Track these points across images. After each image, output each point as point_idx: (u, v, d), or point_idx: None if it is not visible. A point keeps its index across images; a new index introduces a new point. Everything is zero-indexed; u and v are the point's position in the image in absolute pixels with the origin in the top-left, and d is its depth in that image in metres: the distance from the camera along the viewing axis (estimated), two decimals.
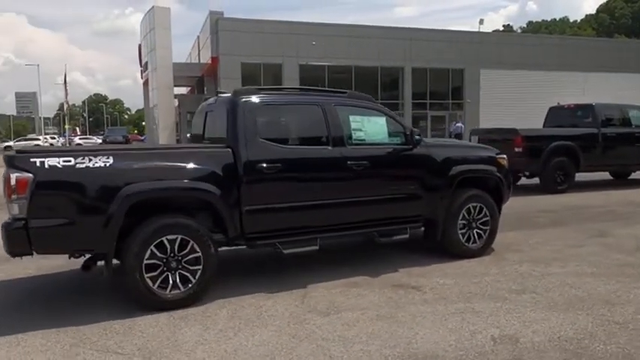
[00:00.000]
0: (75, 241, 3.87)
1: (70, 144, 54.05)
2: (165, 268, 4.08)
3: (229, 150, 4.40)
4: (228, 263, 5.39)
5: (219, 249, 4.62)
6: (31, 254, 3.83)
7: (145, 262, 3.99)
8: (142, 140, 42.64)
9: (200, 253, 4.19)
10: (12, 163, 3.71)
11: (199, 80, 37.36)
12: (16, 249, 3.76)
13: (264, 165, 4.46)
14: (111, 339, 3.58)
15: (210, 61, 30.77)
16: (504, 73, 33.90)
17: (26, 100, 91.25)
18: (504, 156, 5.96)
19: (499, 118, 27.59)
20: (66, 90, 61.95)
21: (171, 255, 4.10)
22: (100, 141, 53.91)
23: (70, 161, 3.80)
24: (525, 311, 3.96)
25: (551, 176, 10.85)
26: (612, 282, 4.65)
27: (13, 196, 3.66)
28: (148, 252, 4.00)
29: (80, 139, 60.09)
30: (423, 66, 32.90)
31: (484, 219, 5.62)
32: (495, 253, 5.74)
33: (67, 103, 64.21)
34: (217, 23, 29.35)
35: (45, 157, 3.76)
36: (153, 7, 34.81)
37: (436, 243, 5.51)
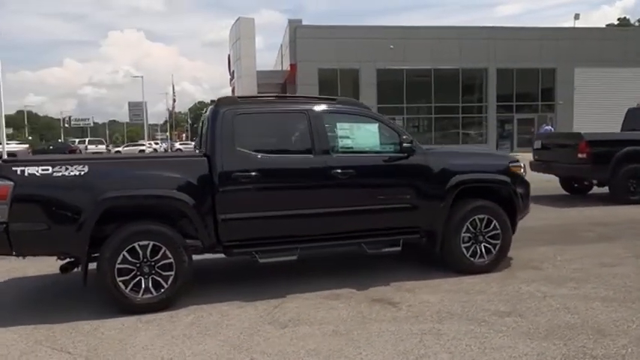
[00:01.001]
0: (52, 244, 4.14)
1: (171, 149, 57.99)
2: (138, 273, 4.23)
3: (205, 159, 4.47)
4: (219, 269, 5.48)
5: (203, 256, 4.74)
6: (12, 255, 4.16)
7: (118, 266, 4.16)
8: None
9: (172, 260, 4.29)
10: (2, 171, 4.05)
11: (283, 87, 38.38)
12: (5, 250, 4.09)
13: (240, 174, 4.47)
14: (72, 339, 3.77)
15: (289, 69, 31.49)
16: (602, 72, 31.14)
17: (137, 109, 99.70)
18: (520, 164, 5.46)
19: (595, 121, 25.46)
20: (173, 99, 66.39)
21: (144, 260, 4.24)
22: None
23: (47, 170, 4.08)
24: (495, 337, 3.59)
25: (622, 185, 9.76)
26: (622, 309, 4.08)
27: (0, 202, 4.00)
28: (120, 257, 4.16)
29: (181, 144, 64.28)
30: (509, 66, 31.16)
31: (493, 232, 5.19)
32: (509, 269, 5.28)
33: (173, 110, 69.06)
34: (295, 31, 30.01)
35: (25, 165, 4.07)
36: (239, 18, 36.43)
37: (437, 256, 5.19)
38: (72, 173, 4.11)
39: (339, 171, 4.71)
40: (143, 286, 4.24)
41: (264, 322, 3.99)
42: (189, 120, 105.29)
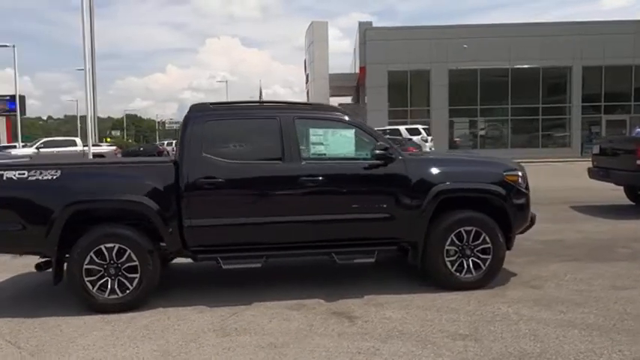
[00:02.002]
0: (26, 244, 4.42)
1: None
2: (104, 274, 4.40)
3: (172, 165, 4.56)
4: (209, 272, 5.54)
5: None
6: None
7: (85, 266, 4.35)
8: None
9: (137, 263, 4.41)
10: None
11: (356, 90, 38.38)
12: None
13: (205, 181, 4.50)
14: (31, 333, 3.98)
15: (359, 71, 31.39)
16: None
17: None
18: (517, 173, 4.99)
19: None
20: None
21: (110, 262, 4.40)
22: None
23: (24, 174, 4.36)
24: None
25: None
26: (599, 339, 3.59)
27: None
28: (88, 258, 4.35)
29: None
30: (597, 64, 28.79)
31: (483, 246, 4.80)
32: (502, 287, 4.86)
33: None
34: (365, 34, 29.82)
35: (4, 170, 4.38)
36: (312, 22, 36.94)
37: (419, 270, 4.90)
38: (45, 178, 4.37)
39: (308, 179, 4.59)
40: (109, 286, 4.40)
41: (210, 330, 3.98)
42: None
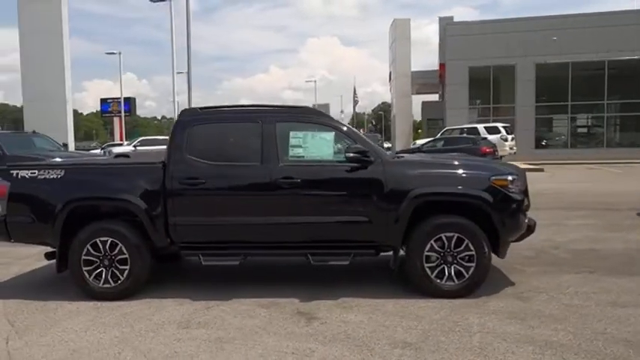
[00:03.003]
0: (35, 235, 4.98)
1: None
2: (100, 265, 4.84)
3: (161, 166, 4.88)
4: (210, 268, 5.82)
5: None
6: (10, 242, 5.11)
7: (83, 257, 4.82)
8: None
9: (127, 255, 4.80)
10: (1, 174, 5.02)
11: (443, 86, 37.37)
12: (2, 238, 5.07)
13: (188, 181, 4.77)
14: (30, 314, 4.47)
15: (439, 68, 30.55)
16: None
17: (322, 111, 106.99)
18: (507, 178, 4.71)
19: None
20: (355, 100, 69.47)
21: (105, 254, 4.83)
22: None
23: (35, 173, 4.93)
24: None
25: None
26: (551, 359, 3.34)
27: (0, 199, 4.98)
28: (85, 250, 4.81)
29: None
30: None
31: (466, 253, 4.61)
32: (487, 296, 4.62)
33: (354, 110, 72.27)
34: (445, 29, 28.93)
35: (20, 169, 4.97)
36: (394, 19, 36.52)
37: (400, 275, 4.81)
38: (51, 176, 4.90)
39: (284, 181, 4.70)
40: (103, 276, 4.84)
41: (176, 321, 4.24)
42: (373, 121, 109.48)
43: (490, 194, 4.61)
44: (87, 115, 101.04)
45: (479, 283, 4.66)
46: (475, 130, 23.11)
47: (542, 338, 3.68)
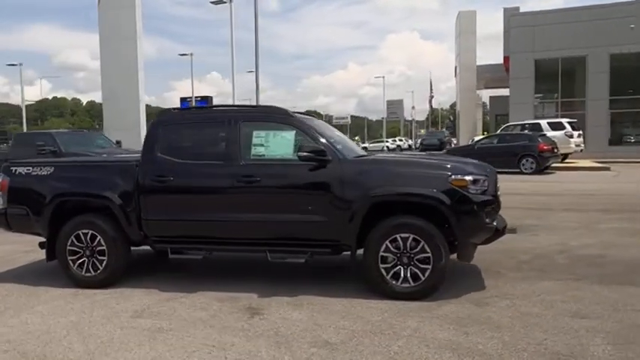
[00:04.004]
0: (30, 225, 5.45)
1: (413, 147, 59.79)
2: (83, 255, 5.23)
3: (134, 164, 5.17)
4: (205, 262, 6.07)
5: None
6: (11, 231, 5.64)
7: (68, 247, 5.23)
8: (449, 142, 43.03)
9: (105, 247, 5.16)
10: (4, 170, 5.55)
11: (506, 81, 35.76)
12: (3, 227, 5.60)
13: (157, 178, 5.03)
14: (15, 298, 4.91)
15: (503, 62, 29.22)
16: None
17: (394, 107, 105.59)
18: (467, 178, 4.51)
19: None
20: (431, 95, 68.37)
21: (87, 245, 5.21)
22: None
23: (29, 169, 5.41)
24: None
25: None
26: None
27: (1, 193, 5.50)
28: (70, 240, 5.22)
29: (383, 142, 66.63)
30: None
31: (422, 255, 4.50)
32: (443, 301, 4.46)
33: (430, 106, 71.19)
34: (510, 20, 27.60)
35: (19, 166, 5.47)
36: (459, 12, 35.42)
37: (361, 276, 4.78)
38: (42, 173, 5.35)
39: (245, 179, 4.82)
40: (85, 266, 5.22)
41: (132, 310, 4.50)
42: (451, 117, 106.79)
43: (447, 195, 4.46)
44: None
45: (435, 286, 4.54)
46: (538, 126, 21.88)
47: (468, 346, 3.54)
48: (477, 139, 21.86)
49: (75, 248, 5.22)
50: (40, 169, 5.37)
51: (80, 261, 5.22)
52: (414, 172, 4.70)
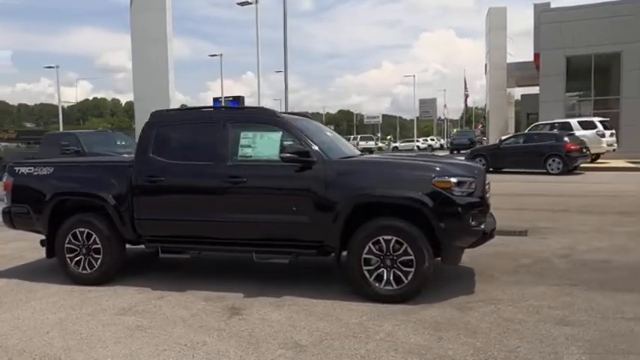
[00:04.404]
0: (31, 223, 5.63)
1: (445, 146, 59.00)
2: (79, 253, 5.37)
3: (128, 165, 5.29)
4: (202, 261, 6.15)
5: None
6: (15, 229, 5.84)
7: (66, 245, 5.39)
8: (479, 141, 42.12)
9: (100, 245, 5.29)
10: (8, 170, 5.76)
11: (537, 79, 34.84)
12: (7, 225, 5.82)
13: (149, 178, 5.12)
14: (16, 293, 5.08)
15: (533, 59, 28.47)
16: None
17: (427, 106, 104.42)
18: (451, 180, 4.41)
19: None
20: (466, 94, 67.44)
21: (83, 244, 5.36)
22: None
23: (31, 170, 5.60)
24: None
25: None
26: None
27: (6, 192, 5.72)
28: (67, 239, 5.38)
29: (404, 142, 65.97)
30: None
31: (404, 258, 4.44)
32: (427, 305, 4.39)
33: (465, 105, 70.05)
34: (540, 17, 26.86)
35: (22, 166, 5.67)
36: (489, 8, 34.72)
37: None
38: (42, 173, 5.53)
39: (232, 179, 4.86)
40: (81, 263, 5.37)
41: (118, 307, 4.59)
42: (485, 116, 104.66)
43: (430, 197, 4.38)
44: None
45: (418, 289, 4.47)
46: (567, 125, 21.25)
47: (438, 352, 3.48)
48: (503, 138, 21.35)
49: (72, 246, 5.37)
50: (41, 169, 5.55)
51: (77, 259, 5.37)
52: (396, 174, 4.64)
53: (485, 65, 37.58)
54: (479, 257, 6.10)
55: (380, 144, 77.48)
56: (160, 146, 5.22)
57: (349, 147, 5.99)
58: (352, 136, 58.11)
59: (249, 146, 4.96)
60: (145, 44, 32.89)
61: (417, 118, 77.47)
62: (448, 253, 4.52)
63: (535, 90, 37.14)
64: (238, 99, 53.95)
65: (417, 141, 71.44)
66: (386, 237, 4.46)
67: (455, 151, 37.43)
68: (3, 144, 37.63)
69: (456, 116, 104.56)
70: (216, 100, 55.87)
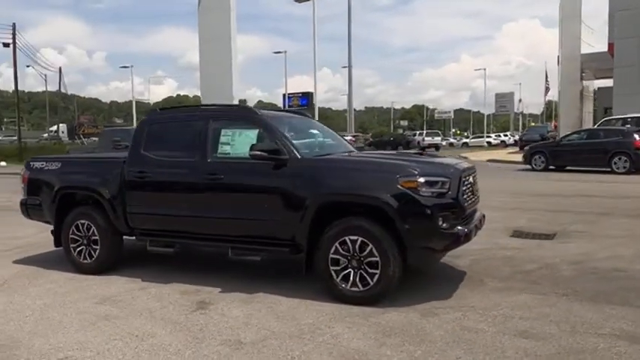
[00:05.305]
0: (43, 215, 6.06)
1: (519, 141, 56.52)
2: (81, 243, 5.71)
3: (122, 161, 5.53)
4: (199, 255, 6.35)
5: None
6: (31, 220, 6.30)
7: (70, 236, 5.75)
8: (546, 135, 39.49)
9: (98, 237, 5.60)
10: (25, 164, 6.23)
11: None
12: (24, 215, 6.29)
13: (138, 174, 5.34)
14: (27, 278, 5.50)
15: (607, 49, 26.45)
16: None
17: (503, 100, 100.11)
18: (418, 179, 4.22)
19: None
20: (546, 87, 64.43)
21: (84, 235, 5.69)
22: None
23: (43, 164, 6.02)
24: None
25: None
26: None
27: (23, 185, 6.19)
28: (71, 230, 5.74)
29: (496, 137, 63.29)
30: None
31: (370, 259, 4.33)
32: (390, 308, 4.25)
33: (545, 98, 66.93)
34: (615, 3, 24.84)
35: (36, 161, 6.11)
36: None
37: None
38: (52, 168, 5.93)
39: (210, 176, 4.96)
40: (83, 253, 5.71)
41: (99, 296, 4.82)
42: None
43: (394, 197, 4.23)
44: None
45: (384, 292, 4.34)
46: None
47: (372, 358, 3.36)
48: (566, 134, 20.07)
49: (75, 237, 5.72)
50: (51, 164, 5.95)
51: (79, 249, 5.71)
52: (361, 174, 4.52)
53: (558, 57, 35.42)
54: (481, 261, 5.84)
55: (452, 140, 75.26)
56: (150, 143, 5.42)
57: (342, 145, 5.89)
58: (417, 132, 56.80)
59: (228, 144, 5.03)
60: (210, 43, 34.31)
61: (493, 113, 74.20)
62: (414, 255, 4.33)
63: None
64: (307, 95, 54.67)
65: (489, 136, 68.64)
66: (352, 237, 4.37)
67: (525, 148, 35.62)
68: (93, 139, 40.58)
69: (539, 111, 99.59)
70: (286, 96, 56.93)
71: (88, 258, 5.66)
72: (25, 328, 4.09)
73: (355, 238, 4.35)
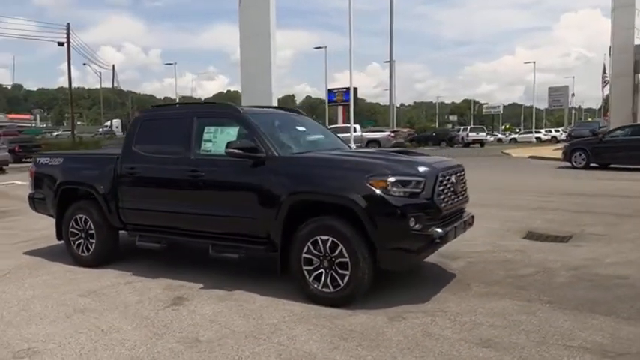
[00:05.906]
0: (47, 208, 6.31)
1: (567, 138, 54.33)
2: (80, 237, 5.92)
3: (116, 157, 5.67)
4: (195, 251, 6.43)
5: None
6: (37, 212, 6.57)
7: (70, 229, 5.97)
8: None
9: (94, 231, 5.78)
10: (33, 160, 6.50)
11: None
12: (31, 208, 6.57)
13: (129, 170, 5.47)
14: (29, 269, 5.76)
15: None
16: None
17: (557, 94, 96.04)
18: (388, 179, 4.09)
19: None
20: (604, 80, 62.00)
21: (82, 229, 5.89)
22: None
23: (48, 160, 6.27)
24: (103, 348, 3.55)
25: None
26: None
27: (30, 179, 6.47)
28: (71, 224, 5.96)
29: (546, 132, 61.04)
30: None
31: (340, 260, 4.25)
32: (361, 310, 4.17)
33: (603, 91, 64.38)
34: None
35: (42, 157, 6.37)
36: None
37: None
38: (55, 163, 6.16)
39: (192, 173, 5.01)
40: (82, 246, 5.91)
41: (85, 289, 4.97)
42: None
43: (363, 196, 4.13)
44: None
45: (354, 293, 4.25)
46: None
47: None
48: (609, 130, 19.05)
49: (74, 230, 5.93)
50: (55, 160, 6.19)
51: (78, 242, 5.91)
52: (331, 172, 4.44)
53: (610, 48, 33.60)
54: (477, 263, 5.65)
55: (500, 135, 73.00)
56: (140, 140, 5.54)
57: (332, 143, 5.80)
58: (462, 127, 55.42)
59: (210, 141, 5.07)
60: (250, 39, 34.62)
61: (546, 108, 71.18)
62: (383, 256, 4.20)
63: None
64: (349, 90, 54.37)
65: (538, 132, 66.10)
66: (323, 237, 4.30)
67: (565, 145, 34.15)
68: None
69: (597, 105, 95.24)
70: (330, 91, 56.87)
71: (86, 251, 5.85)
72: (5, 318, 4.27)
73: (326, 237, 4.29)
